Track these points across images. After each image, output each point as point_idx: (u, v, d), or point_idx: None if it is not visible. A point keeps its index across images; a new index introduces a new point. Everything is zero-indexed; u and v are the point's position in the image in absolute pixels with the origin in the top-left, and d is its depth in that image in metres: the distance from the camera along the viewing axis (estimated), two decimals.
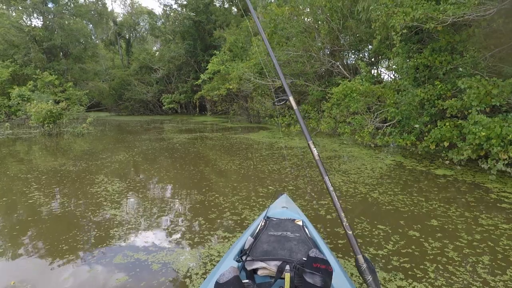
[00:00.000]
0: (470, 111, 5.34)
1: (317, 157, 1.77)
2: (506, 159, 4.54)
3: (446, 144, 6.11)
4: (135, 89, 24.83)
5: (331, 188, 1.67)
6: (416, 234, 3.02)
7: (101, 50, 35.66)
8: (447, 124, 6.16)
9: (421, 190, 4.40)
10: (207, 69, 16.80)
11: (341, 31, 10.77)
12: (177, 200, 4.13)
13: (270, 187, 4.58)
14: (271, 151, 7.70)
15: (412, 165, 5.99)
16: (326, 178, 1.70)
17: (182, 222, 3.37)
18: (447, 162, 6.14)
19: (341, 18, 10.48)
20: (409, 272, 2.33)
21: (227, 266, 1.36)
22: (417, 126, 6.79)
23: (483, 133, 4.77)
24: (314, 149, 1.80)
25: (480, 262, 2.46)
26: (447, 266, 2.42)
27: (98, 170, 5.82)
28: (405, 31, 6.29)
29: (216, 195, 4.25)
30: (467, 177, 5.01)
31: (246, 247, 1.60)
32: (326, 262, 1.22)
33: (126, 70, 27.68)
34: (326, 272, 1.19)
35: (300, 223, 1.84)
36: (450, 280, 2.22)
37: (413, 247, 2.75)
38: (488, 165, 4.90)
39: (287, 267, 1.33)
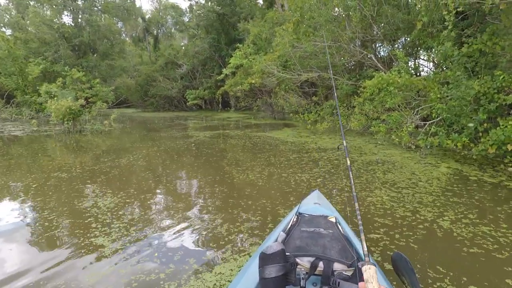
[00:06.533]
0: None
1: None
2: None
3: (510, 147, 5.00)
4: (160, 85, 24.83)
5: None
6: None
7: (130, 47, 36.32)
8: (511, 123, 5.04)
9: (509, 218, 3.26)
10: (230, 63, 16.20)
11: (374, 19, 9.63)
12: (169, 229, 3.18)
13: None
14: (299, 155, 6.77)
15: (475, 175, 4.86)
16: None
17: (159, 269, 2.53)
18: (511, 169, 5.04)
19: (375, 4, 9.35)
20: None
21: None
22: (471, 125, 5.66)
23: None
24: None
25: None
26: None
27: (93, 176, 5.28)
28: (461, 8, 5.19)
29: (219, 221, 3.35)
30: None
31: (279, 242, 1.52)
32: None
33: (152, 66, 27.83)
34: None
35: (333, 219, 1.80)
36: None
37: None
38: None
39: (321, 263, 1.33)
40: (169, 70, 26.14)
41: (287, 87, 12.54)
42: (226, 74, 16.92)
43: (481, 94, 5.67)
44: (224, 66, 20.72)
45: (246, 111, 21.69)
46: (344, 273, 1.28)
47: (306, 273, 1.36)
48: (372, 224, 3.22)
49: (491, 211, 3.45)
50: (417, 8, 6.52)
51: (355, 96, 9.58)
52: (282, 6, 16.84)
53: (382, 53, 11.21)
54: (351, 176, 1.59)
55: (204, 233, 3.10)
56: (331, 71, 3.70)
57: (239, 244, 2.84)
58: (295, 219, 1.79)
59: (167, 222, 3.37)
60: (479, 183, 4.48)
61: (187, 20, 32.04)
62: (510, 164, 5.13)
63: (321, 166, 5.75)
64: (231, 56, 16.98)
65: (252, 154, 7.09)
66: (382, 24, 9.98)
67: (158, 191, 4.55)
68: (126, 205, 3.87)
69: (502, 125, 5.09)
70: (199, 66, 24.77)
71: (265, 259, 1.23)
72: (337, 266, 1.34)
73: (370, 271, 0.95)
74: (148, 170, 5.77)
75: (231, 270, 2.39)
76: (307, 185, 4.54)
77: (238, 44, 17.26)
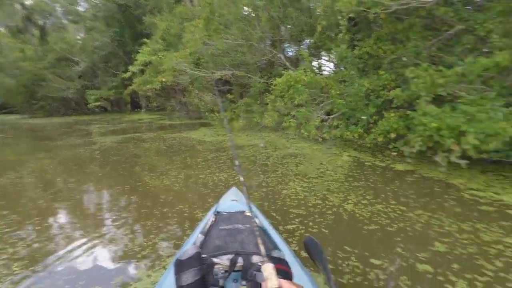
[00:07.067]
0: (418, 101, 5.12)
1: None
2: (459, 150, 4.36)
3: (393, 135, 5.92)
4: (52, 85, 21.29)
5: None
6: (428, 269, 2.32)
7: (7, 39, 29.99)
8: (393, 115, 5.98)
9: (396, 195, 3.85)
10: (137, 60, 14.99)
11: (282, 20, 10.20)
12: (66, 256, 2.71)
13: None
14: (217, 154, 6.68)
15: (370, 161, 5.58)
16: None
17: None
18: (394, 154, 5.96)
19: (281, 6, 9.90)
20: None
21: None
22: (364, 117, 6.52)
23: (434, 124, 4.54)
24: None
25: None
26: None
27: None
28: (352, 15, 5.87)
29: (130, 236, 3.01)
30: (430, 173, 4.72)
31: (197, 245, 1.52)
32: (287, 264, 1.25)
33: (39, 62, 23.59)
34: (287, 275, 1.19)
35: (250, 214, 1.77)
36: None
37: None
38: (439, 157, 4.72)
39: (240, 259, 1.34)
40: (62, 67, 22.60)
41: (200, 85, 12.27)
42: (133, 71, 15.57)
43: (370, 91, 6.56)
44: (130, 63, 19.05)
45: (159, 112, 20.45)
46: (259, 264, 1.28)
47: (226, 271, 1.35)
48: (288, 215, 3.37)
49: (383, 191, 4.01)
50: (317, 13, 7.12)
51: (267, 93, 9.99)
52: (191, 1, 16.36)
53: (290, 53, 11.97)
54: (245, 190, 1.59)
55: (112, 253, 2.73)
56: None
57: (154, 259, 2.60)
58: (213, 219, 1.79)
59: (63, 247, 2.85)
60: (372, 167, 5.17)
61: (83, 10, 28.25)
62: (394, 150, 6.07)
63: (239, 163, 5.77)
64: (138, 52, 15.70)
65: (167, 157, 6.68)
66: (289, 26, 10.65)
67: (51, 211, 3.84)
68: (6, 236, 3.13)
69: (386, 117, 5.99)
70: (100, 63, 22.18)
71: (180, 266, 1.20)
72: (255, 259, 1.36)
73: (268, 269, 0.99)
74: (38, 187, 4.82)
75: None
76: (225, 184, 4.50)
77: (145, 39, 16.05)
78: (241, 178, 1.73)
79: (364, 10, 5.65)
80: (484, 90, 4.56)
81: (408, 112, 5.38)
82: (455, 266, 2.35)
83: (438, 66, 5.08)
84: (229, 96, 12.32)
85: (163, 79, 12.51)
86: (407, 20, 6.15)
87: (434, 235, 2.83)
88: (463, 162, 4.39)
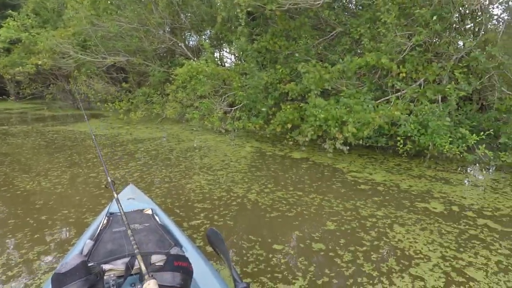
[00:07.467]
0: (309, 94, 5.65)
1: None
2: (341, 138, 5.02)
3: (289, 126, 6.40)
4: None
5: None
6: (321, 247, 2.54)
7: None
8: (289, 107, 6.45)
9: (293, 182, 4.13)
10: (0, 35, 12.05)
11: (181, 7, 9.72)
12: None
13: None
14: (112, 149, 5.95)
15: (270, 150, 5.88)
16: None
17: None
18: (291, 143, 6.46)
19: None
20: None
21: None
22: (264, 109, 6.84)
23: (322, 115, 5.10)
24: None
25: (394, 272, 2.22)
26: None
27: None
28: (250, 9, 6.00)
29: None
30: (320, 159, 5.24)
31: (85, 253, 1.35)
32: (187, 259, 1.20)
33: None
34: (187, 271, 1.16)
35: (150, 211, 1.77)
36: None
37: (327, 271, 2.22)
38: (327, 145, 5.35)
39: (136, 261, 1.21)
40: None
41: (88, 71, 10.70)
42: None
43: (269, 84, 6.91)
44: None
45: (35, 101, 16.97)
46: (157, 264, 1.23)
47: (120, 276, 1.25)
48: (193, 210, 3.26)
49: (282, 179, 4.29)
50: (218, 4, 7.06)
51: (168, 83, 9.45)
52: None
53: (192, 43, 11.57)
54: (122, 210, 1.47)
55: None
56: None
57: (26, 279, 2.15)
58: (105, 221, 1.64)
59: None
60: (273, 156, 5.49)
61: None
62: (290, 139, 6.57)
63: (138, 158, 5.32)
64: (1, 27, 12.60)
65: (47, 154, 5.63)
66: (189, 14, 10.24)
67: None
68: None
69: (283, 109, 6.42)
70: None
71: (59, 281, 1.04)
72: (155, 258, 1.28)
73: (149, 287, 0.95)
74: None
75: None
76: (122, 182, 4.05)
77: (11, 11, 12.98)
78: (115, 196, 1.61)
79: (261, 6, 5.86)
80: (359, 85, 5.36)
81: (302, 104, 5.89)
82: (342, 241, 2.67)
83: (324, 63, 5.70)
84: (124, 85, 11.15)
85: (39, 62, 10.39)
86: (299, 19, 6.68)
87: (326, 215, 3.18)
88: (345, 148, 5.10)
